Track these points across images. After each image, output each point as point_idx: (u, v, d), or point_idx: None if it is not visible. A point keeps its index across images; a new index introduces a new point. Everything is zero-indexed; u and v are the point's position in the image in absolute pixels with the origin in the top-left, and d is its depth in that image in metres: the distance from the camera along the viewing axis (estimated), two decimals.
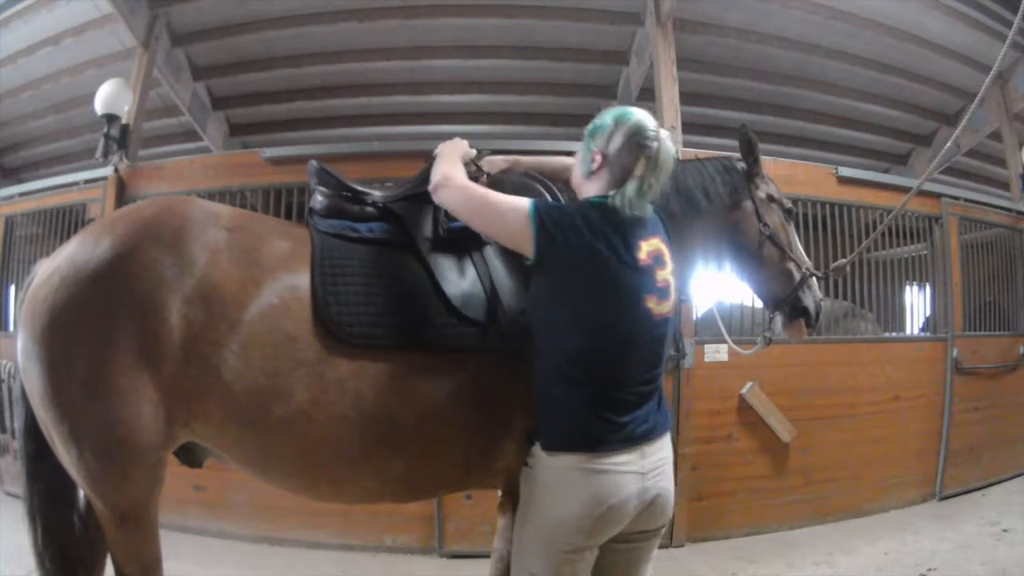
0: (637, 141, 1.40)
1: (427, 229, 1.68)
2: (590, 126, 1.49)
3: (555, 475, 1.38)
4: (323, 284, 1.54)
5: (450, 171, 1.56)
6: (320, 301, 1.52)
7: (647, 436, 1.40)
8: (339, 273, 1.56)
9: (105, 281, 1.44)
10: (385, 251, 1.65)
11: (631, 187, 1.39)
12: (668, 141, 1.43)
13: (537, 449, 1.42)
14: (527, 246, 1.40)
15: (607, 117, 1.46)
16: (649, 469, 1.38)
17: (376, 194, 1.76)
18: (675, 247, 1.73)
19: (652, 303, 1.41)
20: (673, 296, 1.47)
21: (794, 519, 3.79)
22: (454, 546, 3.39)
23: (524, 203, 1.42)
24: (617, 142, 1.42)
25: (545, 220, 1.38)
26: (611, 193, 1.41)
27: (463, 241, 1.66)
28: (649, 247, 1.42)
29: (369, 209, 1.73)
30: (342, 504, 1.96)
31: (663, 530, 1.50)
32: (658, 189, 1.43)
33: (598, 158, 1.44)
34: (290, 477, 1.60)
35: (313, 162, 1.81)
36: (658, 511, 1.42)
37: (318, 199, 1.74)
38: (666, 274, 1.45)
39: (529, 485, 1.44)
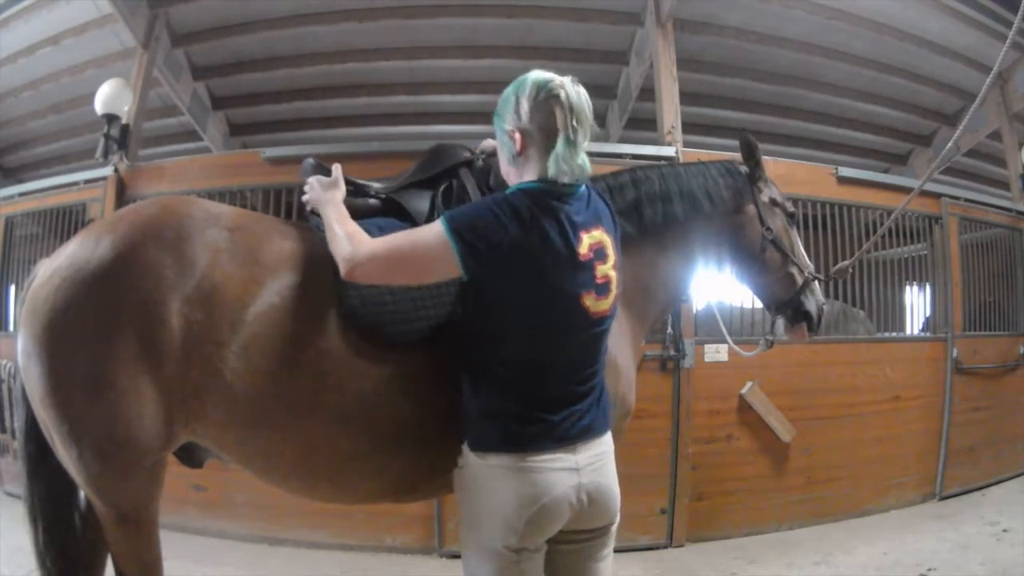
0: (544, 97, 1.29)
1: (428, 217, 1.67)
2: (496, 115, 1.38)
3: (484, 474, 1.32)
4: (344, 285, 1.49)
5: (351, 238, 1.36)
6: (344, 302, 1.50)
7: (582, 435, 1.33)
8: None
9: (105, 282, 1.44)
10: None
11: (559, 144, 1.28)
12: (572, 84, 1.32)
13: (466, 449, 1.36)
14: (456, 268, 1.28)
15: (505, 94, 1.36)
16: (584, 464, 1.32)
17: (376, 185, 1.74)
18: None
19: (589, 301, 1.31)
20: (614, 291, 1.37)
21: (794, 519, 3.78)
22: (454, 546, 3.38)
23: (437, 224, 1.30)
24: (526, 108, 1.30)
25: (462, 231, 1.26)
26: (549, 169, 1.30)
27: None
28: (591, 239, 1.33)
29: (372, 201, 1.71)
30: (342, 504, 1.96)
31: (612, 528, 1.42)
32: (585, 135, 1.31)
33: (517, 136, 1.31)
34: (290, 478, 1.60)
35: (309, 159, 1.77)
36: (599, 509, 1.35)
37: None
38: (607, 269, 1.35)
39: (460, 487, 1.40)
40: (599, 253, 1.34)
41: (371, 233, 1.60)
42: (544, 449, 1.29)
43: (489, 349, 1.34)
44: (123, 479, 1.47)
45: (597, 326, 1.35)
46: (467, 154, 1.81)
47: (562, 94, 1.29)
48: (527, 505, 1.27)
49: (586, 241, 1.32)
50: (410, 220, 1.67)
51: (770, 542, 3.60)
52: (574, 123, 1.29)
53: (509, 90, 1.35)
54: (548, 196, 1.30)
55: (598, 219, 1.38)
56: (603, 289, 1.34)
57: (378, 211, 1.71)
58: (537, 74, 1.33)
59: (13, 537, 2.60)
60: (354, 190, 1.72)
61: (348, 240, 1.36)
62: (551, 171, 1.29)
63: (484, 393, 1.34)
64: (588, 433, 1.34)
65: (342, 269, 1.35)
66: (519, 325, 1.31)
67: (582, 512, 1.32)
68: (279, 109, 6.05)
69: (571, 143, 1.29)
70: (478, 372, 1.36)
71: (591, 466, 1.33)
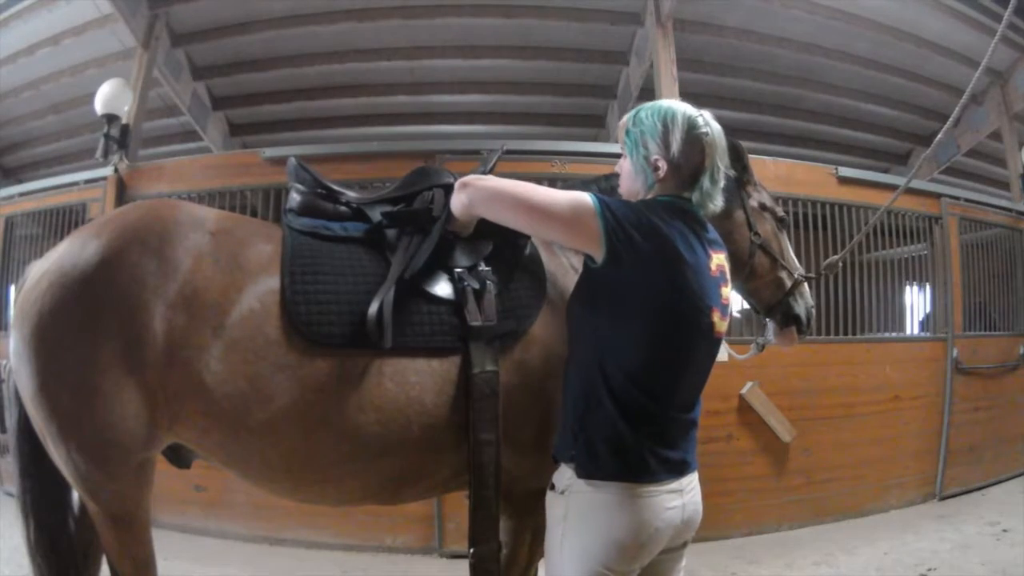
0: (695, 134, 1.32)
1: (395, 232, 1.66)
2: (630, 136, 1.36)
3: (594, 501, 1.26)
4: (292, 283, 1.50)
5: (477, 176, 1.46)
6: (289, 301, 1.49)
7: (690, 463, 1.33)
8: (309, 271, 1.53)
9: (90, 286, 1.45)
10: (358, 250, 1.62)
11: (706, 180, 1.32)
12: (712, 120, 1.35)
13: (569, 472, 1.29)
14: (594, 246, 1.26)
15: (648, 120, 1.34)
16: (686, 486, 1.32)
17: (351, 194, 1.74)
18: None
19: (716, 317, 1.31)
20: (729, 316, 1.39)
21: (794, 519, 3.78)
22: (454, 546, 3.39)
23: (583, 196, 1.27)
24: (678, 142, 1.31)
25: (617, 215, 1.25)
26: (685, 194, 1.33)
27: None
28: (717, 260, 1.35)
29: (343, 208, 1.70)
30: (328, 506, 1.95)
31: (689, 541, 1.43)
32: (722, 171, 1.37)
33: (664, 165, 1.31)
34: (273, 480, 1.59)
35: (292, 159, 1.78)
36: (691, 526, 1.37)
37: (294, 196, 1.71)
38: (728, 292, 1.38)
39: (561, 511, 1.30)
40: (723, 275, 1.37)
41: (333, 231, 1.64)
42: (660, 480, 1.27)
43: (613, 362, 1.27)
44: (110, 479, 1.48)
45: (716, 346, 1.36)
46: (451, 179, 1.80)
47: (709, 133, 1.33)
48: (641, 531, 1.25)
49: (714, 259, 1.35)
50: (378, 232, 1.66)
51: (770, 542, 3.60)
52: (719, 163, 1.34)
53: (652, 118, 1.34)
54: (681, 209, 1.33)
55: (721, 245, 1.41)
56: (725, 310, 1.36)
57: (346, 217, 1.70)
58: (684, 108, 1.34)
59: (13, 537, 2.60)
60: (326, 194, 1.71)
61: (471, 176, 1.47)
62: (695, 198, 1.33)
63: (597, 415, 1.27)
64: (693, 461, 1.35)
65: (457, 183, 1.47)
66: (658, 334, 1.26)
67: (678, 531, 1.33)
68: (279, 109, 6.06)
69: (715, 181, 1.34)
70: (594, 390, 1.27)
71: (690, 486, 1.34)
